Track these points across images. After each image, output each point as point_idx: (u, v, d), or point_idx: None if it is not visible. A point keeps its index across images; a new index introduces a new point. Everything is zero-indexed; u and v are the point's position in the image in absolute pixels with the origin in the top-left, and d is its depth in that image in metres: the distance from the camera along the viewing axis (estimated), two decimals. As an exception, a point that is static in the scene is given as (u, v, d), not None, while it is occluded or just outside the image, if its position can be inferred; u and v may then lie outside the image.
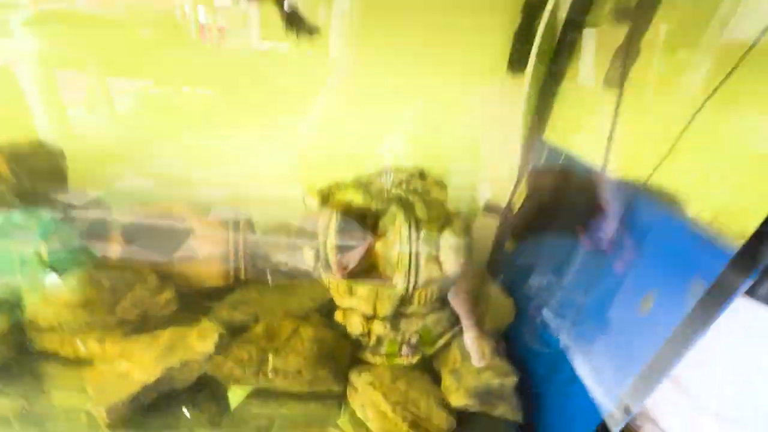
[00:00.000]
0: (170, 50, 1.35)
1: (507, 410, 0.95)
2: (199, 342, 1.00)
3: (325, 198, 1.11)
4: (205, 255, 1.18)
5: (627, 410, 0.75)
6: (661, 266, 0.70)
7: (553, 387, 0.97)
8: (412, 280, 1.03)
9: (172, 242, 1.17)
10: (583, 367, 0.88)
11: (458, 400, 0.96)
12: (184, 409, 0.96)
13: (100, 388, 0.92)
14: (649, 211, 0.74)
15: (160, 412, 0.95)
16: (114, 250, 1.12)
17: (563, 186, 0.83)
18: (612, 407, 0.77)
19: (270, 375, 0.96)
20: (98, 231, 1.12)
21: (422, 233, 1.01)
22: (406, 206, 1.02)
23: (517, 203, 0.91)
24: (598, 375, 0.84)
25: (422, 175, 1.12)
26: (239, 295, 1.23)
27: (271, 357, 0.98)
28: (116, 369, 0.96)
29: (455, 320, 1.13)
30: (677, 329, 0.64)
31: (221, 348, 1.00)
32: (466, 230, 1.05)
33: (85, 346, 1.03)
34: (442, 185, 1.10)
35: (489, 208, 0.91)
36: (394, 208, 1.01)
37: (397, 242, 1.02)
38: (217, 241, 1.19)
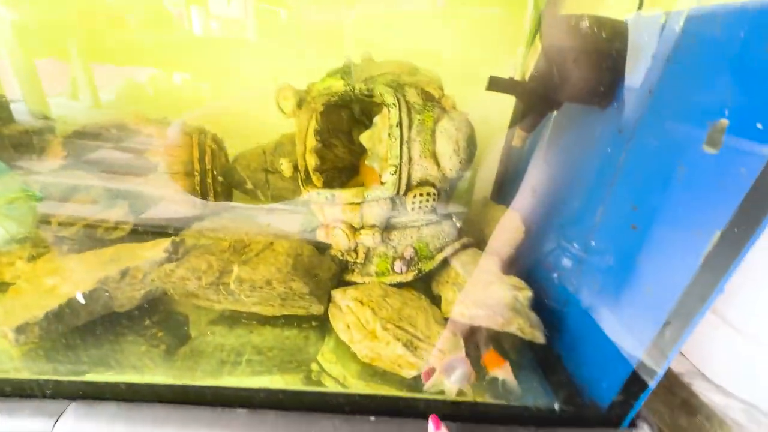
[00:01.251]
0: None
1: (524, 326, 0.75)
2: (148, 251, 0.79)
3: (302, 100, 0.92)
4: (166, 171, 0.98)
5: (661, 357, 0.57)
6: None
7: (578, 326, 0.78)
8: (404, 177, 0.83)
9: (125, 156, 0.97)
10: (608, 311, 0.70)
11: (465, 309, 0.76)
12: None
13: (14, 306, 0.70)
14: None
15: (99, 341, 0.74)
16: (52, 162, 0.92)
17: (590, 38, 0.65)
18: (643, 355, 0.59)
19: (233, 287, 0.76)
20: (28, 141, 0.92)
21: (415, 120, 0.82)
22: (396, 87, 0.83)
23: (529, 67, 0.73)
24: (625, 319, 0.66)
25: (413, 70, 0.93)
26: (208, 223, 1.02)
27: (236, 267, 0.78)
28: (40, 286, 0.75)
29: (457, 233, 0.94)
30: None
31: (175, 259, 0.79)
32: (468, 123, 0.86)
33: (11, 266, 0.82)
34: (437, 81, 0.92)
35: (495, 84, 0.72)
36: (380, 89, 0.82)
37: (385, 131, 0.83)
38: (181, 157, 0.99)
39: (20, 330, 0.66)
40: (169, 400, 0.57)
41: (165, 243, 0.80)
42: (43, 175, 0.93)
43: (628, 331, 0.64)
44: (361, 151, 1.01)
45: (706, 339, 0.92)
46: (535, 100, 0.76)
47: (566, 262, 0.81)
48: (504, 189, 1.10)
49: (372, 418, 0.58)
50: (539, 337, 0.76)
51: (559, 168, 0.90)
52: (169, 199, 0.95)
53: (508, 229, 1.01)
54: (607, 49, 0.67)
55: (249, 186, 1.10)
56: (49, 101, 1.35)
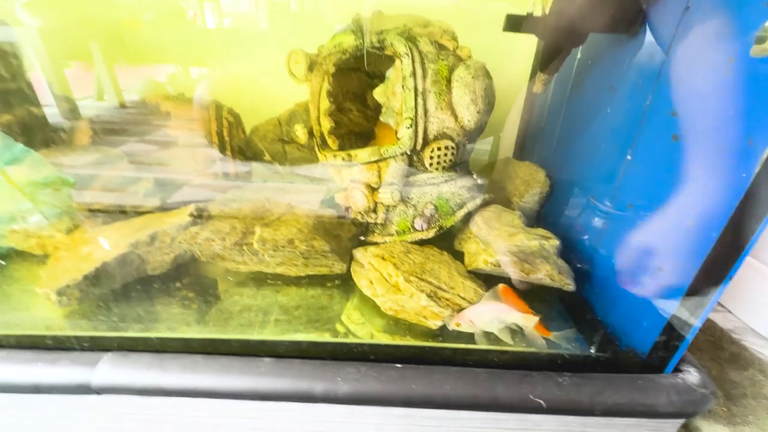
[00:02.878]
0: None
1: (552, 272, 0.70)
2: (174, 217, 0.80)
3: (313, 63, 0.89)
4: (186, 144, 0.98)
5: (697, 309, 0.51)
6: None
7: (609, 273, 0.72)
8: (420, 131, 0.79)
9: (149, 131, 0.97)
10: (644, 253, 0.63)
11: (489, 257, 0.72)
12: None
13: (55, 271, 0.72)
14: None
15: (133, 302, 0.75)
16: (81, 139, 0.93)
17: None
18: (683, 299, 0.53)
19: (257, 246, 0.75)
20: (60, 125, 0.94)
21: (429, 69, 0.78)
22: (408, 38, 0.78)
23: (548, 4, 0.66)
24: (663, 259, 0.59)
25: (425, 22, 0.88)
26: (230, 195, 1.02)
27: (258, 228, 0.77)
28: (78, 253, 0.77)
29: (477, 189, 0.89)
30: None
31: (200, 223, 0.79)
32: (485, 71, 0.80)
33: (51, 239, 0.84)
34: (450, 32, 0.86)
35: (512, 23, 0.66)
36: (391, 39, 0.78)
37: (398, 84, 0.79)
38: (200, 129, 0.98)
39: (61, 292, 0.68)
40: (198, 351, 0.57)
41: (189, 208, 0.79)
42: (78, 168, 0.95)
43: (666, 272, 0.59)
44: (376, 116, 0.98)
45: (756, 294, 0.84)
46: (558, 36, 0.69)
47: (595, 207, 0.75)
48: (527, 144, 1.04)
49: (398, 365, 0.55)
50: (569, 284, 0.71)
51: (586, 112, 0.83)
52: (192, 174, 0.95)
53: (531, 183, 0.95)
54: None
55: (267, 158, 1.09)
56: (78, 104, 1.39)
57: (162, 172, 0.96)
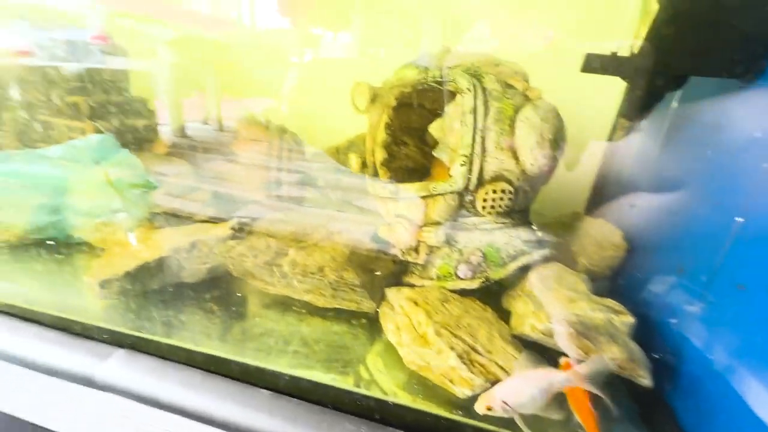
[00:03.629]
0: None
1: (621, 357, 0.56)
2: (217, 229, 0.81)
3: (376, 96, 0.90)
4: (250, 163, 1.03)
5: None
6: None
7: (705, 380, 0.56)
8: (475, 170, 0.73)
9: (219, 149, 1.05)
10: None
11: (539, 322, 0.60)
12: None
13: (103, 265, 0.77)
14: None
15: (165, 305, 0.76)
16: (158, 149, 1.04)
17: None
18: None
19: (286, 269, 0.72)
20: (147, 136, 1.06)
21: (492, 107, 0.72)
22: (473, 74, 0.75)
23: (639, 39, 0.58)
24: None
25: (496, 61, 0.84)
26: (279, 215, 1.04)
27: (292, 250, 0.75)
28: (128, 251, 0.81)
29: (536, 243, 0.78)
30: None
31: (239, 237, 0.80)
32: (556, 113, 0.73)
33: (112, 234, 0.92)
34: (521, 73, 0.81)
35: (592, 63, 0.59)
36: (455, 74, 0.74)
37: (456, 120, 0.75)
38: (260, 148, 1.03)
39: (104, 284, 0.71)
40: (199, 366, 0.53)
41: (231, 222, 0.81)
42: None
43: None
44: (433, 153, 0.94)
45: None
46: (648, 78, 0.60)
47: (691, 283, 0.59)
48: (601, 199, 0.90)
49: (404, 432, 0.46)
50: (643, 377, 0.55)
51: (681, 172, 0.70)
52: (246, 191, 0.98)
53: (604, 244, 0.81)
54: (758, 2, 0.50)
55: (321, 184, 1.10)
56: (188, 125, 1.62)
57: (222, 186, 1.01)
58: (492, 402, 0.50)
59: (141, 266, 0.73)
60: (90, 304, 0.73)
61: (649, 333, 0.63)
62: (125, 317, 0.70)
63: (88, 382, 0.53)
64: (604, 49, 0.60)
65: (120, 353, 0.56)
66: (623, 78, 0.65)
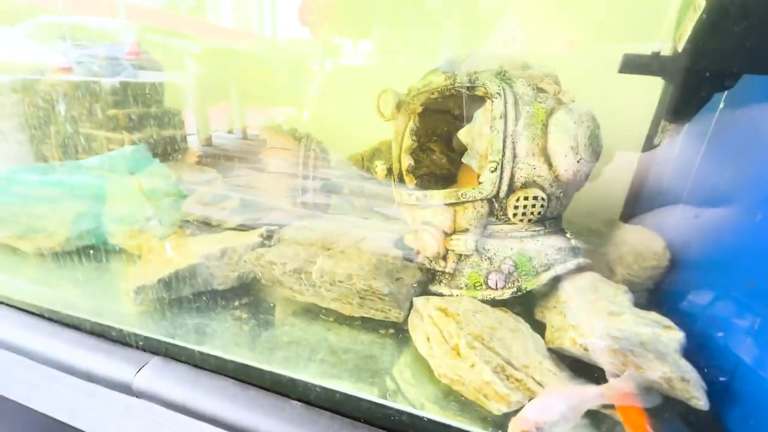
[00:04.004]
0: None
1: (672, 377, 0.52)
2: (247, 237, 0.82)
3: (401, 102, 0.89)
4: (276, 171, 1.04)
5: None
6: None
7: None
8: (506, 176, 0.71)
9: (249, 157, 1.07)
10: None
11: (578, 337, 0.57)
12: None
13: (139, 272, 0.79)
14: None
15: (197, 312, 0.77)
16: (189, 159, 1.07)
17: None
18: None
19: (314, 277, 0.72)
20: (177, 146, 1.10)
21: (523, 112, 0.70)
22: (502, 78, 0.73)
23: (683, 36, 0.55)
24: None
25: (525, 65, 0.82)
26: (306, 222, 1.04)
27: (320, 258, 0.75)
28: (162, 258, 0.83)
29: (571, 251, 0.75)
30: None
31: (268, 245, 0.80)
32: (592, 116, 0.70)
33: (147, 241, 0.94)
34: (552, 76, 0.79)
35: (630, 63, 0.56)
36: (483, 79, 0.73)
37: (486, 125, 0.73)
38: (287, 159, 1.04)
39: (138, 291, 0.73)
40: (231, 375, 0.54)
41: (261, 229, 0.82)
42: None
43: None
44: (461, 159, 0.92)
45: None
46: (692, 79, 0.56)
47: (746, 296, 0.55)
48: (639, 206, 0.86)
49: (442, 450, 0.44)
50: (699, 400, 0.51)
51: (728, 177, 0.66)
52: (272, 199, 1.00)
53: (645, 253, 0.77)
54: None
55: (345, 191, 1.10)
56: (213, 134, 1.67)
57: (250, 194, 1.03)
58: (526, 426, 0.47)
59: (173, 273, 0.74)
60: (126, 310, 0.75)
61: (698, 351, 0.58)
62: (159, 324, 0.71)
63: (127, 390, 0.54)
64: (636, 49, 0.57)
65: (156, 360, 0.57)
66: (665, 78, 0.62)
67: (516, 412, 0.53)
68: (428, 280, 0.82)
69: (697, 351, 0.57)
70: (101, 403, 0.59)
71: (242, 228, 0.98)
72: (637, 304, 0.66)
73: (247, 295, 0.82)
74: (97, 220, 0.99)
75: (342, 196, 1.11)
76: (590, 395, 0.49)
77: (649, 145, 0.78)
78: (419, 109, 0.87)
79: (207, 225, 1.00)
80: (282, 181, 1.03)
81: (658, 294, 0.76)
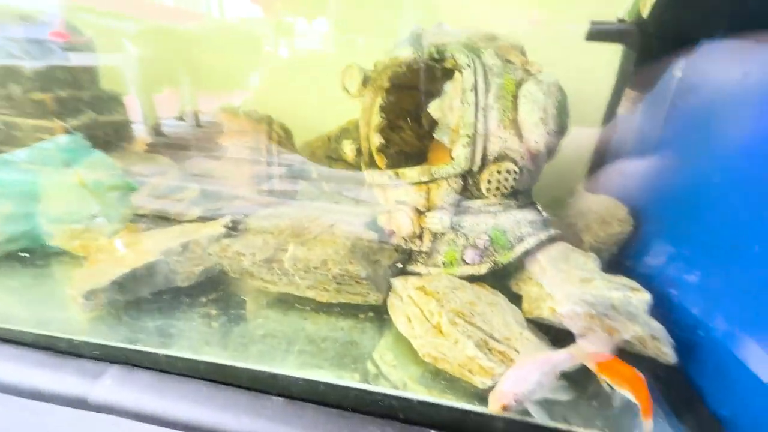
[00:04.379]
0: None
1: (643, 336, 0.54)
2: (210, 228, 0.76)
3: (368, 78, 0.85)
4: (237, 157, 0.97)
5: None
6: None
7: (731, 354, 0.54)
8: (478, 150, 0.70)
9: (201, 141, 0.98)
10: None
11: (556, 306, 0.58)
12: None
13: (86, 275, 0.71)
14: None
15: (159, 313, 0.71)
16: (137, 147, 0.97)
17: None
18: None
19: (287, 265, 0.68)
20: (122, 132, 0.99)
21: (493, 84, 0.69)
22: (471, 49, 0.71)
23: (647, 3, 0.55)
24: None
25: (492, 36, 0.80)
26: (273, 210, 0.99)
27: (292, 245, 0.71)
28: (112, 258, 0.75)
29: (541, 222, 0.76)
30: None
31: (234, 235, 0.75)
32: (559, 87, 0.70)
33: (95, 241, 0.85)
34: (518, 47, 0.78)
35: (597, 32, 0.56)
36: (452, 50, 0.70)
37: (457, 98, 0.71)
38: (249, 143, 0.97)
39: (88, 296, 0.66)
40: (203, 377, 0.49)
41: (225, 219, 0.76)
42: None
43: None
44: (431, 136, 0.90)
45: None
46: (657, 44, 0.57)
47: (705, 254, 0.58)
48: (603, 175, 0.89)
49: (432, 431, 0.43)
50: (667, 355, 0.54)
51: (689, 144, 0.68)
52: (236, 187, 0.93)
53: (608, 220, 0.80)
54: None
55: (314, 176, 1.05)
56: (163, 122, 1.52)
57: (209, 183, 0.95)
58: (506, 399, 0.48)
59: (129, 273, 0.67)
60: (75, 318, 0.67)
61: (661, 311, 0.62)
62: (116, 330, 0.65)
63: (82, 404, 0.49)
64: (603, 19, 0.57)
65: (114, 370, 0.51)
66: (630, 46, 0.63)
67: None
68: (405, 261, 0.81)
69: (659, 308, 0.60)
70: (56, 423, 0.53)
71: (203, 220, 0.91)
72: (605, 270, 0.69)
73: (215, 290, 0.76)
74: (29, 221, 0.88)
75: (311, 181, 1.06)
76: (560, 359, 0.50)
77: (611, 113, 0.80)
78: (387, 85, 0.83)
79: (164, 219, 0.91)
80: (244, 168, 0.96)
81: (622, 257, 0.80)
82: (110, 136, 1.17)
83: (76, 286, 0.67)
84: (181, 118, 1.69)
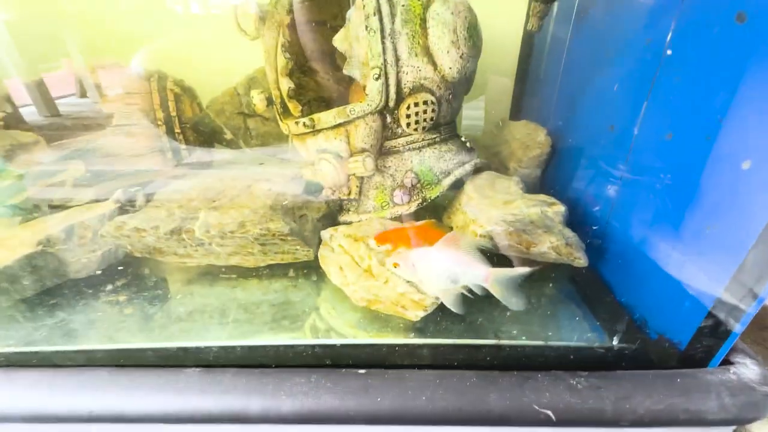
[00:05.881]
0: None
1: (558, 245, 0.56)
2: (99, 207, 0.66)
3: (265, 14, 0.75)
4: (124, 120, 0.84)
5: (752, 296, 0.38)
6: None
7: (633, 251, 0.57)
8: (391, 82, 0.65)
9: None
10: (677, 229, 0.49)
11: (479, 228, 0.59)
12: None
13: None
14: None
15: (52, 311, 0.61)
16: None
17: None
18: (733, 278, 0.40)
19: (199, 234, 0.61)
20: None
21: (398, 6, 0.63)
22: (370, -32, 0.64)
23: None
24: (704, 226, 0.45)
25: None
26: (185, 181, 0.89)
27: (202, 212, 0.64)
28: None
29: (466, 153, 0.75)
30: None
31: (131, 211, 0.66)
32: (468, 6, 0.66)
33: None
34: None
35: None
36: (351, -29, 0.63)
37: (361, 26, 0.65)
38: (139, 105, 0.84)
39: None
40: (106, 365, 0.44)
41: (115, 194, 0.66)
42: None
43: (717, 231, 0.45)
44: (350, 79, 0.83)
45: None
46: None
47: (612, 167, 0.61)
48: (524, 100, 0.89)
49: (361, 370, 0.42)
50: (579, 259, 0.57)
51: (592, 58, 0.69)
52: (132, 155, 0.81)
53: (529, 144, 0.81)
54: None
55: (228, 136, 0.95)
56: (60, 101, 1.27)
57: (97, 160, 0.82)
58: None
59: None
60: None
61: (579, 220, 0.64)
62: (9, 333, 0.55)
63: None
64: None
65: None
66: None
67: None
68: (336, 212, 0.78)
69: (576, 221, 0.63)
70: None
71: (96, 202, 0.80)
72: (529, 192, 0.71)
73: (123, 275, 0.68)
74: None
75: (226, 144, 0.96)
76: (474, 273, 0.47)
77: (525, 38, 0.78)
78: (287, 20, 0.74)
79: (52, 207, 0.78)
80: (139, 137, 0.84)
81: (544, 179, 0.82)
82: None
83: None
84: (83, 96, 1.43)
